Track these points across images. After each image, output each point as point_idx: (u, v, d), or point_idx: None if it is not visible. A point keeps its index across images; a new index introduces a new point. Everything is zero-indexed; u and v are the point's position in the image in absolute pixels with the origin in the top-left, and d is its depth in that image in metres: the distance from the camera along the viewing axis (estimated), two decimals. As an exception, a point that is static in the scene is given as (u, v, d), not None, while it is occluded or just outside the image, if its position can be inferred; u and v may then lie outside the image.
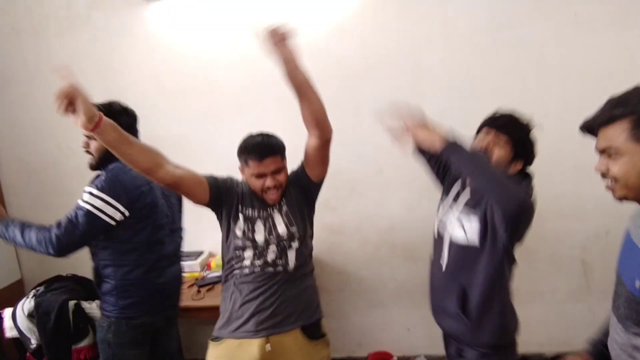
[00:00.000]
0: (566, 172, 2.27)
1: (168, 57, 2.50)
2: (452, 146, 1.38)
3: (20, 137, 2.74)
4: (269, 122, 2.51)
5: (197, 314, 2.19)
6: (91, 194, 1.71)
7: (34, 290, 2.27)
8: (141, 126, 2.57)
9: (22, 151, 2.75)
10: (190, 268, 2.46)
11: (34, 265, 2.86)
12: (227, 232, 1.64)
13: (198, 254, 2.56)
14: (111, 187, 1.73)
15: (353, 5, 2.30)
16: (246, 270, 1.58)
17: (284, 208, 1.63)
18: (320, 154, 1.58)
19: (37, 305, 2.13)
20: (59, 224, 1.68)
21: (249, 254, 1.59)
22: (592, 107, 2.20)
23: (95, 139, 1.73)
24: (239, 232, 1.60)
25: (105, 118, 1.36)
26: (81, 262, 2.75)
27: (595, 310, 2.33)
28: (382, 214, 2.42)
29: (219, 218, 1.66)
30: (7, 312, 2.21)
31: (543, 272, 2.38)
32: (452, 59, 2.27)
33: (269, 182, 1.55)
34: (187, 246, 2.43)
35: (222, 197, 1.62)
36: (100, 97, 2.55)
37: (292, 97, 2.46)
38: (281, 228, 1.60)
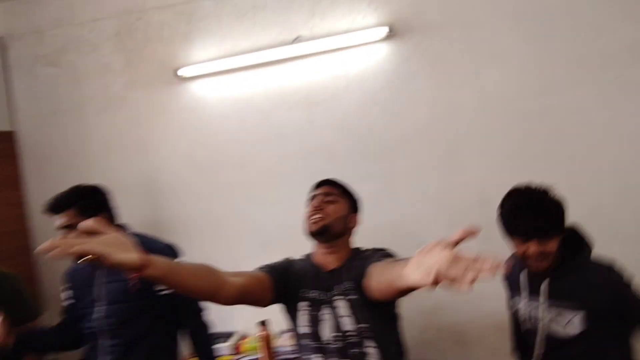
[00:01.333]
0: (626, 243, 2.06)
1: (201, 133, 2.52)
2: None
3: (57, 214, 2.77)
4: (301, 195, 2.46)
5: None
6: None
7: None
8: (174, 202, 2.58)
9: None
10: (219, 351, 2.32)
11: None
12: (294, 331, 1.45)
13: (228, 335, 2.42)
14: (174, 249, 1.84)
15: (384, 75, 2.27)
16: None
17: (350, 287, 1.37)
18: (389, 295, 1.22)
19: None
20: (191, 314, 1.83)
21: None
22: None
23: (74, 228, 1.68)
24: (303, 327, 1.40)
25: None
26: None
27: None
28: (425, 295, 2.23)
29: (286, 314, 1.49)
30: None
31: None
32: (491, 126, 2.18)
33: (315, 201, 1.50)
34: (216, 326, 2.31)
35: (284, 285, 1.42)
36: (136, 173, 2.61)
37: (324, 171, 2.39)
38: (347, 320, 1.36)
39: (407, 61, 2.24)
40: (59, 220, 1.71)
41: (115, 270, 1.67)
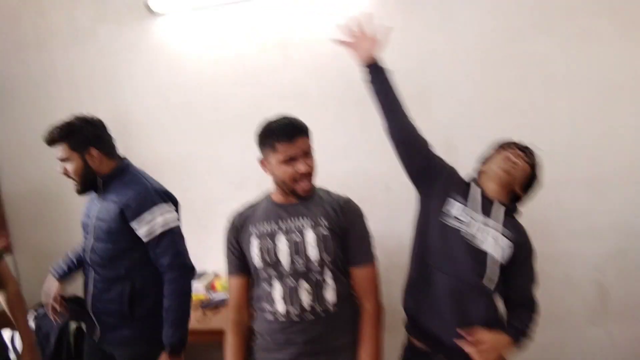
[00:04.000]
0: (577, 188, 2.20)
1: (173, 72, 2.48)
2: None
3: (23, 151, 2.71)
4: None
5: (202, 337, 2.10)
6: (166, 210, 1.68)
7: (33, 311, 2.22)
8: (145, 142, 2.56)
9: (25, 165, 2.72)
10: (194, 290, 2.39)
11: (34, 285, 2.81)
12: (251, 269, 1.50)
13: (201, 274, 2.49)
14: (162, 194, 1.72)
15: (358, 18, 2.26)
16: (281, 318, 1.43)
17: (322, 224, 1.42)
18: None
19: (37, 328, 2.09)
20: (168, 266, 1.67)
21: (277, 291, 1.42)
22: (599, 121, 2.14)
23: (68, 161, 1.67)
24: (256, 257, 1.43)
25: None
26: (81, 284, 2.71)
27: (613, 334, 2.25)
28: (390, 234, 2.35)
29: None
30: (6, 334, 2.16)
31: (557, 295, 2.30)
32: (458, 72, 2.22)
33: (301, 166, 1.39)
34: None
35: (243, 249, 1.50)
36: (105, 111, 2.55)
37: (297, 114, 2.40)
38: (312, 250, 1.41)
39: (379, 3, 2.23)
40: (56, 152, 1.69)
41: (106, 209, 1.68)
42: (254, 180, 2.41)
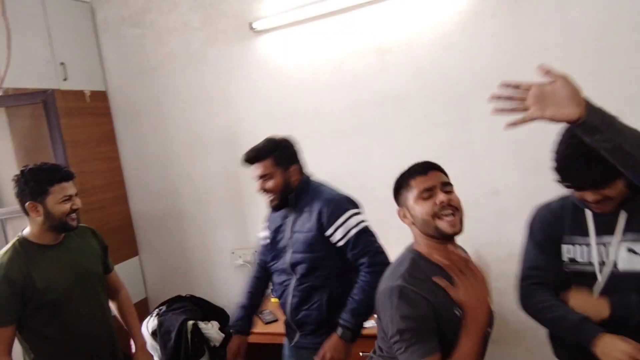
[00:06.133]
0: None
1: (276, 85, 2.60)
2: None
3: (146, 165, 3.01)
4: (373, 145, 2.48)
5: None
6: (356, 213, 1.72)
7: (157, 309, 2.44)
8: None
9: (147, 178, 3.02)
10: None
11: (157, 284, 3.10)
12: None
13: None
14: (348, 199, 1.77)
15: (459, 16, 2.19)
16: None
17: None
18: None
19: (160, 324, 2.29)
20: (367, 265, 1.69)
21: None
22: None
23: (270, 178, 1.74)
24: None
25: None
26: (198, 284, 2.93)
27: None
28: (499, 241, 2.21)
29: None
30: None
31: None
32: (575, 66, 2.04)
33: (440, 196, 1.24)
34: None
35: None
36: (217, 125, 2.75)
37: (398, 121, 2.39)
38: None
39: (485, -1, 2.14)
40: (256, 170, 1.77)
41: (302, 221, 1.76)
42: (352, 189, 2.42)
